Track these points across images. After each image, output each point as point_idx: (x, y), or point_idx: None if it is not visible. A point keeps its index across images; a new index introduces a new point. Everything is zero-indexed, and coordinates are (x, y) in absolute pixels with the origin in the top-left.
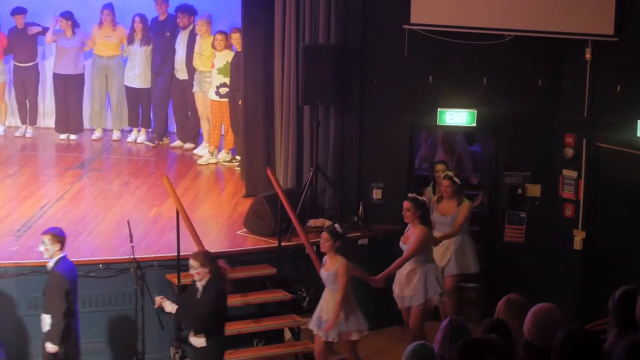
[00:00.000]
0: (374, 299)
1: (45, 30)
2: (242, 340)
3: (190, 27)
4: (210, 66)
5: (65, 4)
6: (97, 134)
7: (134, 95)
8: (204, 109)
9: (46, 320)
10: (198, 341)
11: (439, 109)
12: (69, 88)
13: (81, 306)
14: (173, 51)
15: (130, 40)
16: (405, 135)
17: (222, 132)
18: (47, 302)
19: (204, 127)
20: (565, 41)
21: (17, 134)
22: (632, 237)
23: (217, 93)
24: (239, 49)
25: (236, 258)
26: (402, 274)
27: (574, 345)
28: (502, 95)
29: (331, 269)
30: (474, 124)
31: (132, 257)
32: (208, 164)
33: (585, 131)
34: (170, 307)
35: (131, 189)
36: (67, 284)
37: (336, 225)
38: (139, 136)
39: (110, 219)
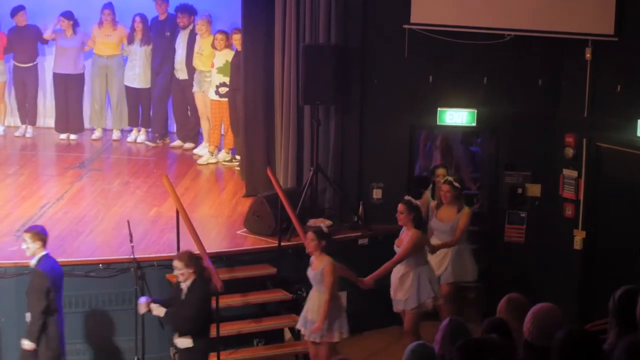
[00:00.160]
0: (374, 299)
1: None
2: (242, 340)
3: (190, 27)
4: (210, 66)
5: (65, 4)
6: (97, 133)
7: (134, 95)
8: (204, 109)
9: (27, 319)
10: (183, 342)
11: (439, 109)
12: (69, 87)
13: (81, 306)
14: (173, 51)
15: (130, 40)
16: (405, 135)
17: (222, 132)
18: (28, 300)
19: (204, 126)
20: (565, 41)
21: (17, 133)
22: (632, 237)
23: (217, 93)
24: (240, 49)
25: (236, 258)
26: (395, 277)
27: (574, 345)
28: (502, 95)
29: (317, 268)
30: (474, 124)
31: (132, 257)
32: (208, 163)
33: (585, 131)
34: (158, 310)
35: (131, 188)
36: (49, 282)
37: (322, 224)
38: (139, 136)
39: (110, 218)
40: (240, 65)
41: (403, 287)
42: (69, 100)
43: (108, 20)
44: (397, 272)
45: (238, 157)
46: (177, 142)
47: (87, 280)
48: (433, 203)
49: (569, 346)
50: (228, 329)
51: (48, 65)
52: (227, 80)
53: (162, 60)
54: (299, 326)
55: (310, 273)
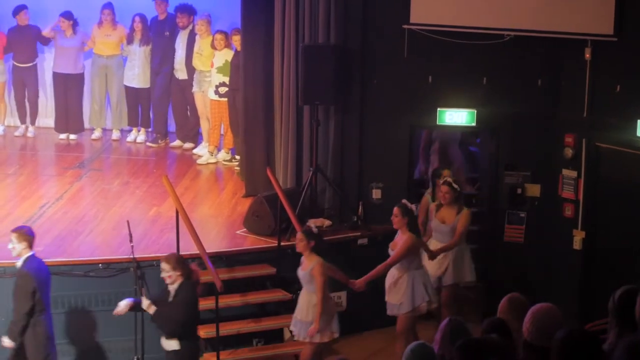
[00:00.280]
0: (374, 299)
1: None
2: (242, 340)
3: (190, 27)
4: (209, 66)
5: (65, 4)
6: (96, 133)
7: (133, 95)
8: (204, 109)
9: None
10: (170, 344)
11: (438, 109)
12: (69, 87)
13: (80, 306)
14: (172, 51)
15: (130, 40)
16: (405, 135)
17: (222, 132)
18: (14, 301)
19: (204, 126)
20: (565, 41)
21: (16, 133)
22: (632, 237)
23: (217, 92)
24: (239, 49)
25: (236, 258)
26: (389, 281)
27: (574, 345)
28: (502, 95)
29: (307, 268)
30: (474, 124)
31: (131, 256)
32: (208, 163)
33: (585, 131)
34: (146, 303)
35: (131, 188)
36: (34, 283)
37: (311, 225)
38: (139, 136)
39: (110, 218)
40: (239, 65)
41: (397, 292)
42: (68, 100)
43: (108, 20)
44: (391, 276)
45: (238, 157)
46: (177, 142)
47: (87, 280)
48: (433, 204)
49: (568, 346)
50: (227, 328)
51: (48, 65)
52: (226, 80)
53: (161, 60)
54: (291, 327)
55: (300, 273)
